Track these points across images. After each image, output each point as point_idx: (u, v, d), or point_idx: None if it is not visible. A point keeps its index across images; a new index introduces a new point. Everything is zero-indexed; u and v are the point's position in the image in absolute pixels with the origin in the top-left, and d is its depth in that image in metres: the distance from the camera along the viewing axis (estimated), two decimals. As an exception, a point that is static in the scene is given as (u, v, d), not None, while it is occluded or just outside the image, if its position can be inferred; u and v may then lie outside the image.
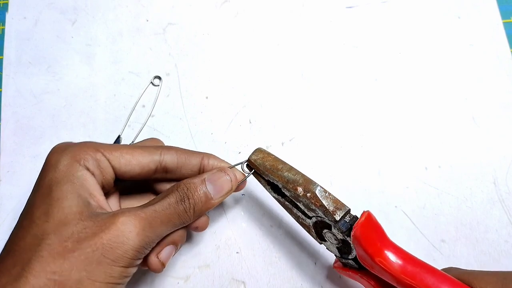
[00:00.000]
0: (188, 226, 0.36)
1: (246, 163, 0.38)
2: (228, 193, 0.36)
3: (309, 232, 0.37)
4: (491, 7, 0.51)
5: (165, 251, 0.34)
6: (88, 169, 0.33)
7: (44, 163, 0.33)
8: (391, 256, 0.31)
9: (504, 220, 0.43)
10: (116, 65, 0.50)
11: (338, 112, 0.47)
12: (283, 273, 0.41)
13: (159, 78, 0.49)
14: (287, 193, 0.36)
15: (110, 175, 0.34)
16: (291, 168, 0.36)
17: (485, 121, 0.47)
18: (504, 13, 0.51)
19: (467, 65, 0.49)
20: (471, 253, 0.42)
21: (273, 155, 0.37)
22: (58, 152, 0.33)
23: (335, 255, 0.37)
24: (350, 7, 0.52)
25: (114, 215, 0.31)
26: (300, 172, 0.36)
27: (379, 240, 0.32)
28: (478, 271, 0.32)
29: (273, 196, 0.38)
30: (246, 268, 0.42)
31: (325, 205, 0.34)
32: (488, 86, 0.48)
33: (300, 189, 0.35)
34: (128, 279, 0.32)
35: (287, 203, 0.37)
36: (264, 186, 0.38)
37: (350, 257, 0.35)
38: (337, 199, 0.34)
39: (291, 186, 0.35)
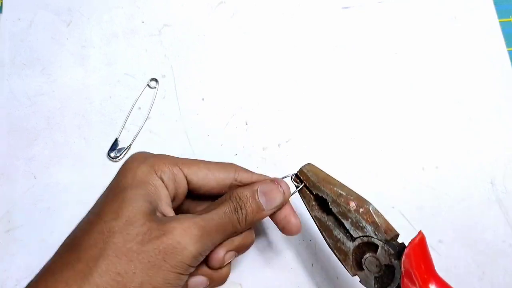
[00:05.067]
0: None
1: (295, 175, 0.37)
2: (280, 205, 0.36)
3: (344, 260, 0.35)
4: (488, 7, 0.51)
5: (228, 255, 0.35)
6: (163, 180, 0.33)
7: (122, 167, 0.35)
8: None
9: (501, 220, 0.43)
10: (111, 67, 0.49)
11: (334, 113, 0.47)
12: (280, 275, 0.41)
13: (156, 80, 0.49)
14: (334, 210, 0.35)
15: (183, 189, 0.35)
16: (343, 185, 0.36)
17: (482, 121, 0.47)
18: (501, 13, 0.51)
19: (464, 65, 0.49)
20: (469, 253, 0.42)
21: (324, 171, 0.37)
22: (138, 160, 0.34)
23: None
24: (346, 8, 0.52)
25: (176, 220, 0.31)
26: (353, 190, 0.35)
27: (430, 268, 0.31)
28: None
29: (314, 216, 0.36)
30: (243, 271, 0.41)
31: (378, 222, 0.33)
32: (485, 86, 0.48)
33: (352, 204, 0.34)
34: None
35: (329, 222, 0.36)
36: (307, 203, 0.37)
37: None
38: (388, 221, 0.34)
39: (343, 200, 0.34)
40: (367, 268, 0.34)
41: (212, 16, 0.51)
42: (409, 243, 0.31)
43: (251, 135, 0.47)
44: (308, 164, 0.37)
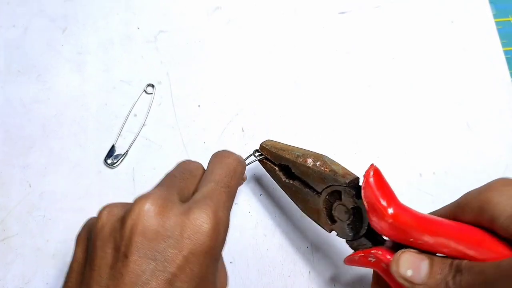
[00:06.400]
0: None
1: (255, 150, 0.41)
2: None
3: (317, 219, 0.36)
4: (484, 11, 0.51)
5: None
6: None
7: None
8: (404, 211, 0.31)
9: (499, 226, 0.43)
10: (107, 73, 0.49)
11: (331, 119, 0.47)
12: (277, 283, 0.41)
13: (152, 86, 0.48)
14: (296, 172, 0.37)
15: None
16: (300, 148, 0.38)
17: (479, 127, 0.47)
18: (498, 13, 0.51)
19: (461, 70, 0.49)
20: (467, 260, 0.42)
21: (283, 142, 0.40)
22: None
23: (347, 239, 0.35)
24: (342, 13, 0.51)
25: None
26: (309, 150, 0.38)
27: (390, 194, 0.31)
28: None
29: (282, 184, 0.39)
30: (240, 278, 0.41)
31: (335, 169, 0.35)
32: (482, 91, 0.48)
33: (309, 160, 0.36)
34: None
35: (296, 187, 0.37)
36: (273, 174, 0.39)
37: (362, 232, 0.33)
38: (345, 167, 0.35)
39: (301, 160, 0.36)
40: (338, 218, 0.35)
41: (208, 22, 0.51)
42: (364, 176, 0.31)
43: (247, 142, 0.46)
44: (267, 140, 0.40)
